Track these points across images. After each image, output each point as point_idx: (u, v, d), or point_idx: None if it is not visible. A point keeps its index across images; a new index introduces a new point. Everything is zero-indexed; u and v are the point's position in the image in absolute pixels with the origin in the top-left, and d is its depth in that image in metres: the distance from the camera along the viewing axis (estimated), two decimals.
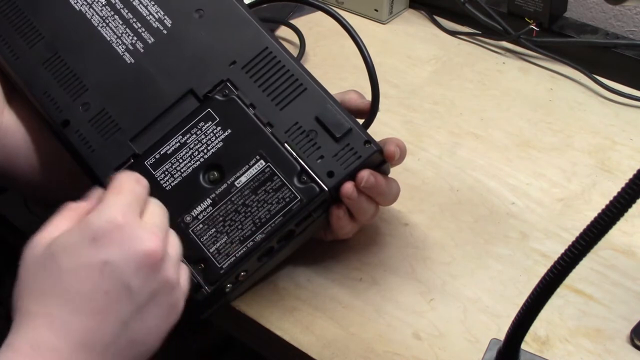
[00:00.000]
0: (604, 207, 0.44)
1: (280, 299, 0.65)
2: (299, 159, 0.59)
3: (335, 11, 0.66)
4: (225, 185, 0.60)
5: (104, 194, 0.54)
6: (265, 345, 0.65)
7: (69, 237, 0.51)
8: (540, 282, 0.48)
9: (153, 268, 0.51)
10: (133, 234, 0.51)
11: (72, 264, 0.50)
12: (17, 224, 0.90)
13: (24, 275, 0.51)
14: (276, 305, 0.65)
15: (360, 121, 0.65)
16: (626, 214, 0.43)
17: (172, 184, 0.61)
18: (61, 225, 0.53)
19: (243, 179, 0.60)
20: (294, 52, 0.91)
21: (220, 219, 0.59)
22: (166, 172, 0.61)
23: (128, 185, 0.54)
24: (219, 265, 0.58)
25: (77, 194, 0.69)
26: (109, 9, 0.66)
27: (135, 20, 0.65)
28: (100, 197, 0.54)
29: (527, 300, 0.49)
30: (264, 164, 0.60)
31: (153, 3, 0.65)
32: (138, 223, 0.52)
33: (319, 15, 0.67)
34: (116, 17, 0.66)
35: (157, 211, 0.55)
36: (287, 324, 0.64)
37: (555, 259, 0.47)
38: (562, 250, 0.46)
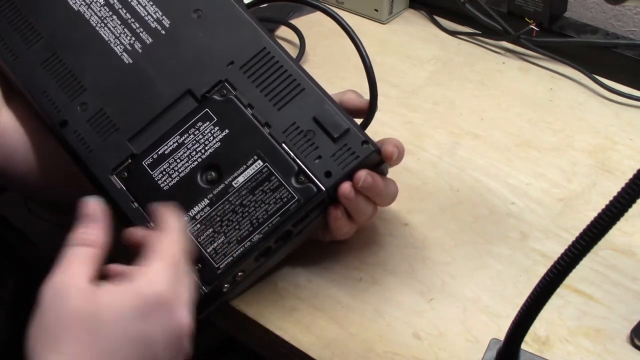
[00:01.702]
0: (604, 207, 0.43)
1: (280, 299, 0.65)
2: (297, 159, 0.59)
3: (334, 11, 0.66)
4: (222, 186, 0.60)
5: (155, 255, 0.53)
6: (265, 345, 0.65)
7: (121, 306, 0.50)
8: (540, 282, 0.48)
9: (180, 340, 0.52)
10: (175, 313, 0.51)
11: (117, 332, 0.49)
12: (17, 224, 0.90)
13: (54, 319, 0.49)
14: (276, 305, 0.65)
15: (359, 121, 0.65)
16: (626, 214, 0.43)
17: (170, 184, 0.60)
18: (112, 291, 0.51)
19: (240, 179, 0.60)
20: (294, 52, 0.91)
21: (218, 219, 0.59)
22: (164, 172, 0.61)
23: (178, 252, 0.54)
24: (217, 266, 0.58)
25: (76, 195, 0.69)
26: (108, 9, 0.66)
27: (133, 20, 0.65)
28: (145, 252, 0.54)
29: (527, 300, 0.49)
30: (261, 164, 0.59)
31: (151, 3, 0.65)
32: (179, 298, 0.52)
33: (319, 15, 0.67)
34: (114, 17, 0.66)
35: (189, 278, 0.55)
36: (287, 324, 0.64)
37: (555, 259, 0.47)
38: (562, 250, 0.46)
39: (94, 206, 0.54)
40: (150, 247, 0.53)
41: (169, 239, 0.54)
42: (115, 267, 0.54)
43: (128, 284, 0.51)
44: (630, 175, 0.42)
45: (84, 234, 0.53)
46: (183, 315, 0.52)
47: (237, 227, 0.59)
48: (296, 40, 0.93)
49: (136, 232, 0.58)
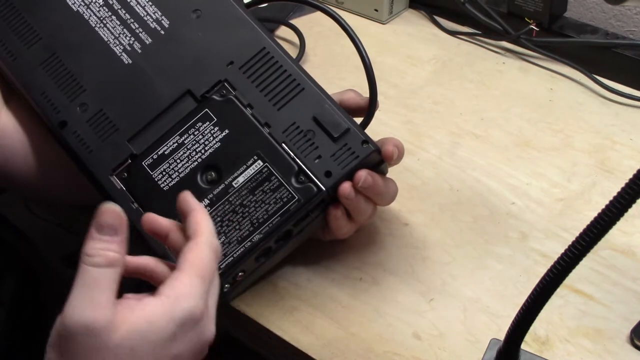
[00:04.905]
0: (604, 207, 0.43)
1: (280, 299, 0.65)
2: (297, 159, 0.59)
3: (334, 11, 0.66)
4: (222, 186, 0.60)
5: (186, 267, 0.50)
6: (265, 345, 0.65)
7: (154, 332, 0.47)
8: (540, 282, 0.48)
9: (203, 350, 0.51)
10: (204, 329, 0.50)
11: (149, 355, 0.48)
12: (17, 224, 0.90)
13: (88, 352, 0.46)
14: (276, 305, 0.65)
15: (359, 121, 0.65)
16: (626, 214, 0.43)
17: (170, 185, 0.60)
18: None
19: (240, 179, 0.60)
20: (294, 52, 0.91)
21: (218, 219, 0.59)
22: (164, 173, 0.61)
23: (211, 268, 0.51)
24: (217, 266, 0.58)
25: (76, 195, 0.69)
26: (107, 10, 0.66)
27: (132, 20, 0.65)
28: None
29: (527, 300, 0.49)
30: (261, 164, 0.59)
31: (150, 4, 0.65)
32: (207, 312, 0.50)
33: (319, 15, 0.67)
34: (114, 17, 0.66)
35: (216, 289, 0.53)
36: (287, 324, 0.64)
37: (555, 259, 0.47)
38: (562, 250, 0.46)
39: (115, 215, 0.49)
40: (182, 256, 0.51)
41: (201, 246, 0.51)
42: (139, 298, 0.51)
43: (157, 301, 0.48)
44: (630, 175, 0.42)
45: (106, 252, 0.48)
46: (211, 330, 0.51)
47: (237, 227, 0.59)
48: (296, 40, 0.93)
49: (159, 222, 0.55)
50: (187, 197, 0.54)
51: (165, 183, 0.61)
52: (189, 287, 0.49)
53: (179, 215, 0.55)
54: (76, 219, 0.76)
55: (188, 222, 0.53)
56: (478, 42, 0.94)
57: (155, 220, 0.55)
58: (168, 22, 0.65)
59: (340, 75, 0.88)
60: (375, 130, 0.65)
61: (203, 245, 0.51)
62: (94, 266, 0.47)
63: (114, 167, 0.62)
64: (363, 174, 0.59)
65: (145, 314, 0.48)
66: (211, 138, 0.61)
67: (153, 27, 0.65)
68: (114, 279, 0.48)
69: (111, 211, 0.49)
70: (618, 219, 0.43)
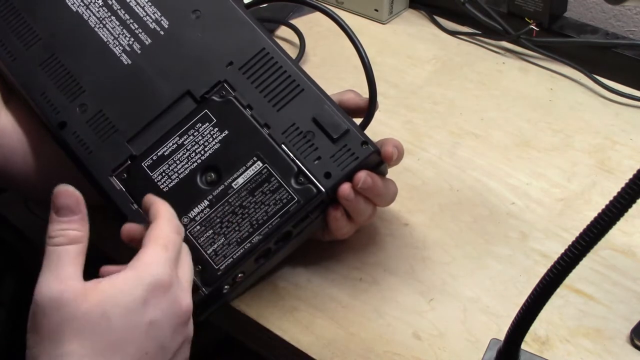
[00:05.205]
0: (604, 207, 0.43)
1: (280, 299, 0.65)
2: (296, 160, 0.59)
3: (333, 11, 0.66)
4: (222, 187, 0.60)
5: (148, 242, 0.52)
6: (265, 345, 0.65)
7: (123, 298, 0.49)
8: (540, 282, 0.48)
9: (184, 325, 0.52)
10: (176, 295, 0.51)
11: (124, 325, 0.49)
12: (17, 224, 0.89)
13: (57, 325, 0.48)
14: (276, 305, 0.65)
15: (358, 121, 0.65)
16: (626, 214, 0.43)
17: (170, 186, 0.60)
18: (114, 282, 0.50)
19: (240, 180, 0.60)
20: (294, 52, 0.91)
21: (218, 220, 0.59)
22: (163, 174, 0.61)
23: (172, 238, 0.53)
24: (217, 267, 0.58)
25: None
26: (106, 10, 0.66)
27: (132, 21, 0.65)
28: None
29: (527, 300, 0.49)
30: (261, 165, 0.59)
31: (150, 4, 0.65)
32: (178, 281, 0.52)
33: (319, 15, 0.67)
34: (113, 18, 0.65)
35: (187, 262, 0.55)
36: (287, 324, 0.64)
37: (555, 259, 0.47)
38: (562, 250, 0.46)
39: (69, 196, 0.52)
40: (145, 236, 0.53)
41: (160, 223, 0.54)
42: (109, 268, 0.53)
43: (125, 272, 0.50)
44: (630, 175, 0.42)
45: (66, 231, 0.51)
46: (184, 298, 0.52)
47: (237, 228, 0.59)
48: (296, 40, 0.93)
49: (131, 228, 0.58)
50: (149, 195, 0.58)
51: (164, 184, 0.61)
52: (153, 256, 0.51)
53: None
54: None
55: (149, 214, 0.56)
56: (478, 42, 0.94)
57: (130, 228, 0.58)
58: (167, 23, 0.65)
59: (340, 76, 0.88)
60: (375, 131, 0.65)
61: (163, 223, 0.54)
62: (56, 246, 0.50)
63: (113, 168, 0.62)
64: (363, 175, 0.59)
65: (113, 282, 0.50)
66: (211, 139, 0.61)
67: (152, 27, 0.65)
68: (77, 252, 0.51)
69: (65, 192, 0.52)
70: (618, 219, 0.43)
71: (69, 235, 0.51)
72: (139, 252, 0.52)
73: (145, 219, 0.58)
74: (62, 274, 0.49)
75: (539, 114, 0.83)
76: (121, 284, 0.50)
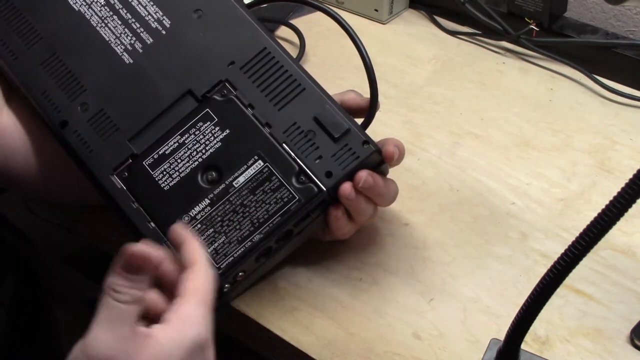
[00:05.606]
0: (604, 207, 0.43)
1: (280, 299, 0.65)
2: (297, 159, 0.59)
3: (334, 11, 0.66)
4: (223, 186, 0.60)
5: (187, 294, 0.51)
6: (265, 345, 0.65)
7: (165, 356, 0.49)
8: (540, 282, 0.48)
9: None
10: (209, 351, 0.51)
11: None
12: (17, 224, 0.89)
13: None
14: (276, 305, 0.65)
15: (359, 121, 0.65)
16: (626, 214, 0.43)
17: (171, 184, 0.60)
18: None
19: (241, 179, 0.60)
20: (294, 52, 0.91)
21: (219, 219, 0.59)
22: (164, 172, 0.61)
23: (210, 291, 0.53)
24: (217, 266, 0.58)
25: (76, 195, 0.69)
26: (108, 9, 0.66)
27: (134, 20, 0.65)
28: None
29: (527, 300, 0.49)
30: (262, 164, 0.59)
31: (152, 3, 0.65)
32: (211, 339, 0.52)
33: (319, 15, 0.67)
34: (115, 17, 0.66)
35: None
36: (287, 324, 0.64)
37: (555, 259, 0.47)
38: (562, 250, 0.46)
39: (144, 259, 0.49)
40: (183, 284, 0.52)
41: (199, 273, 0.53)
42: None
43: (168, 329, 0.49)
44: (630, 175, 0.42)
45: (134, 290, 0.49)
46: (212, 354, 0.52)
47: (237, 227, 0.59)
48: (296, 40, 0.93)
49: (151, 253, 0.50)
50: (179, 229, 0.56)
51: (166, 183, 0.61)
52: (195, 314, 0.51)
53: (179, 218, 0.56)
54: (76, 219, 0.76)
55: (183, 252, 0.54)
56: (478, 42, 0.94)
57: (148, 251, 0.53)
58: (169, 22, 0.65)
59: (341, 76, 0.88)
60: (376, 131, 0.65)
61: (201, 272, 0.53)
62: (120, 302, 0.49)
63: (114, 167, 0.62)
64: (364, 175, 0.59)
65: (157, 341, 0.49)
66: (212, 138, 0.61)
67: (154, 26, 0.65)
68: (138, 313, 0.50)
69: (141, 253, 0.49)
70: (618, 219, 0.43)
71: (135, 296, 0.49)
72: (177, 302, 0.51)
73: (159, 237, 0.58)
74: (120, 334, 0.48)
75: (539, 114, 0.83)
76: (165, 346, 0.49)
